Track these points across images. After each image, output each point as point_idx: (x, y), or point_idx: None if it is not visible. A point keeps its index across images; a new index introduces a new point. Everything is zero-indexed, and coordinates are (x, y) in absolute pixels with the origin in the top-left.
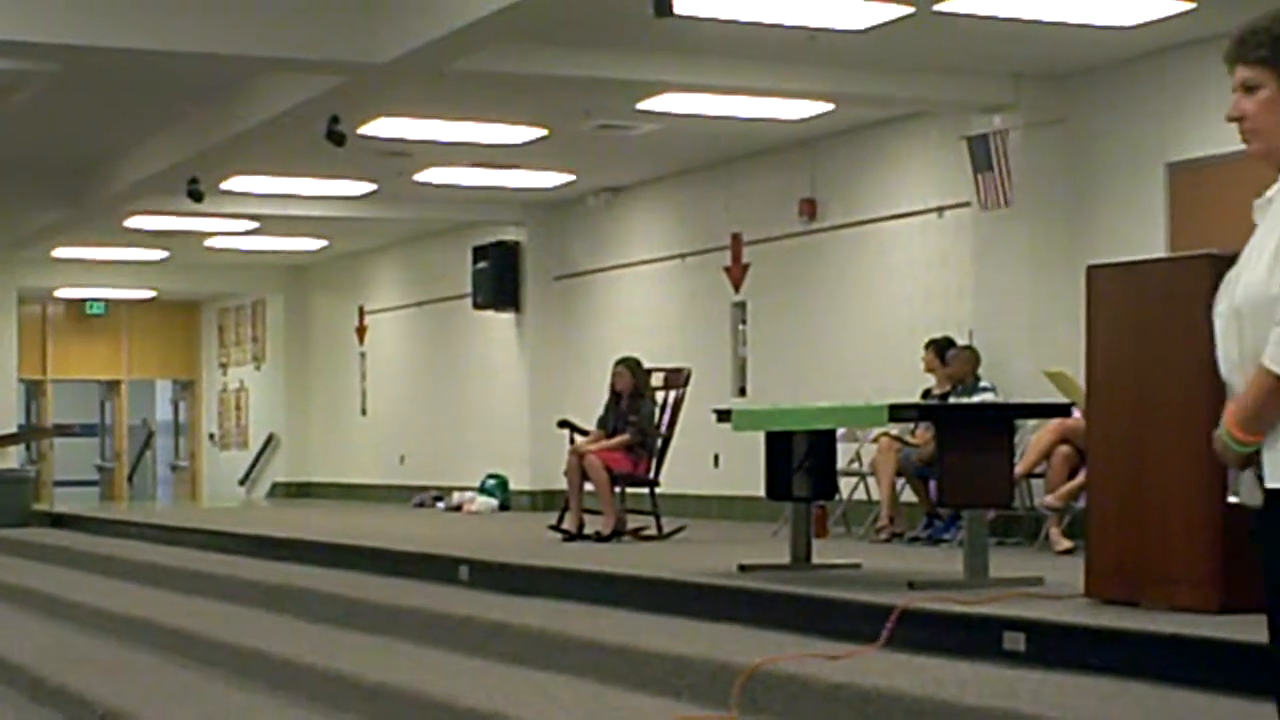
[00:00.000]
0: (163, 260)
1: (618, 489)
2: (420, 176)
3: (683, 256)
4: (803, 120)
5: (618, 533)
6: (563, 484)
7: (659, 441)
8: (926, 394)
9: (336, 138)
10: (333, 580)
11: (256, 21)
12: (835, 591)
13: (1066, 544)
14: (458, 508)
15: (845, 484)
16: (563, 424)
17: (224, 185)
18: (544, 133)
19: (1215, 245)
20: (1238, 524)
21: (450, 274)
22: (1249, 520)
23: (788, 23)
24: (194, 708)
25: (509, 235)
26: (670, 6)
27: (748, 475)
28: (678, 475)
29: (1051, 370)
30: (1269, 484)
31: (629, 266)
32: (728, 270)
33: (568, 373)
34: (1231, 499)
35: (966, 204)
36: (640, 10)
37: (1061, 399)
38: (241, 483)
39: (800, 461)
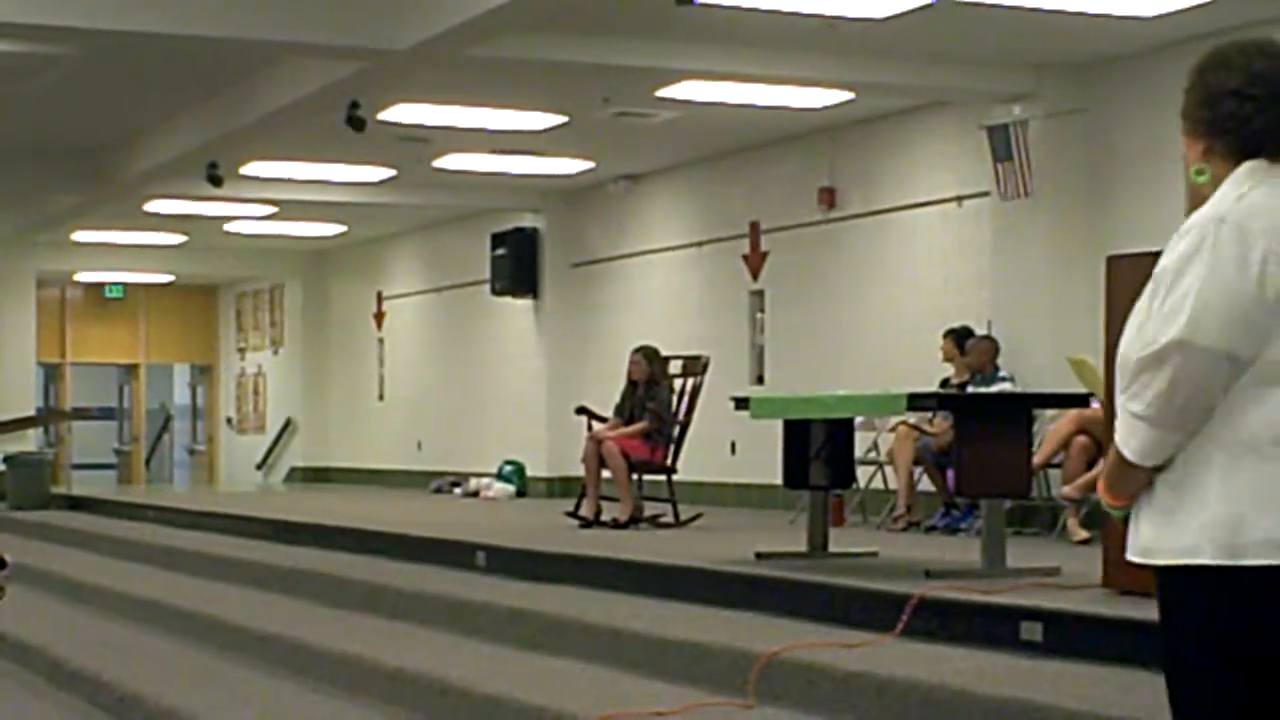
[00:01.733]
0: (181, 244)
1: (635, 476)
2: (439, 163)
3: (701, 244)
4: (822, 109)
5: (635, 520)
6: (580, 471)
7: (676, 429)
8: (945, 383)
9: (356, 123)
10: (350, 565)
11: (277, 6)
12: (852, 580)
13: (1084, 534)
14: (475, 493)
15: (863, 472)
16: (580, 410)
17: (243, 170)
18: (563, 120)
19: None
20: None
21: (469, 260)
22: None
23: (807, 11)
24: (211, 691)
25: (527, 222)
26: None
27: (765, 463)
28: (695, 463)
29: (1074, 357)
30: (1128, 556)
31: (647, 254)
32: (746, 258)
33: (585, 359)
34: None
35: (986, 194)
36: None
37: (1080, 389)
38: (259, 467)
39: (818, 450)
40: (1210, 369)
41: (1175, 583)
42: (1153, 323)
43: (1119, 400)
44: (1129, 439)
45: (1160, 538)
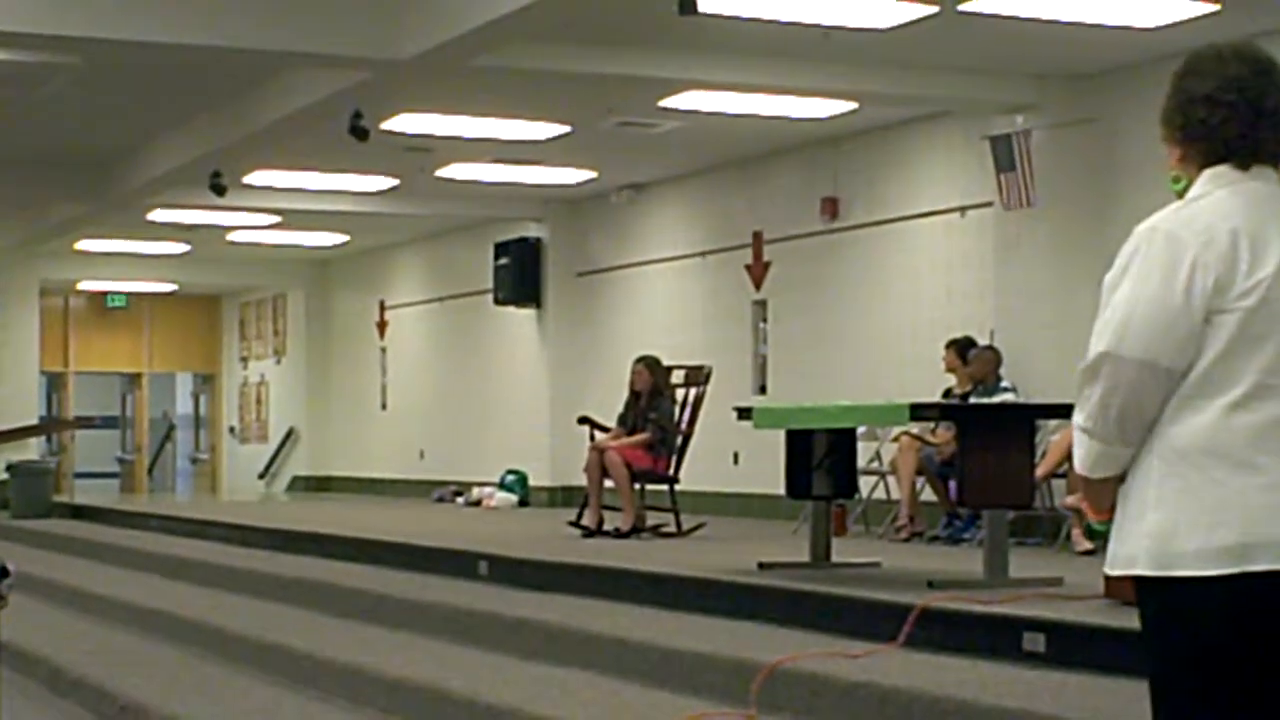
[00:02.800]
0: (184, 253)
1: (637, 486)
2: (442, 172)
3: (704, 254)
4: (825, 119)
5: (637, 529)
6: (582, 480)
7: (679, 439)
8: (947, 394)
9: (359, 133)
10: (352, 575)
11: (280, 16)
12: (855, 590)
13: (1087, 545)
14: (477, 503)
15: (865, 483)
16: (583, 420)
17: (246, 179)
18: (567, 129)
19: None
20: None
21: (472, 270)
22: None
23: (811, 21)
24: (213, 701)
25: (531, 231)
26: (694, 4)
27: (768, 473)
28: (697, 472)
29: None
30: (1105, 569)
31: (650, 264)
32: (749, 268)
33: (588, 369)
34: None
35: (989, 204)
36: (664, 7)
37: None
38: (261, 476)
39: (820, 460)
40: (1138, 380)
41: (1136, 591)
42: (1092, 336)
43: (1074, 426)
44: (1077, 451)
45: (1113, 547)
